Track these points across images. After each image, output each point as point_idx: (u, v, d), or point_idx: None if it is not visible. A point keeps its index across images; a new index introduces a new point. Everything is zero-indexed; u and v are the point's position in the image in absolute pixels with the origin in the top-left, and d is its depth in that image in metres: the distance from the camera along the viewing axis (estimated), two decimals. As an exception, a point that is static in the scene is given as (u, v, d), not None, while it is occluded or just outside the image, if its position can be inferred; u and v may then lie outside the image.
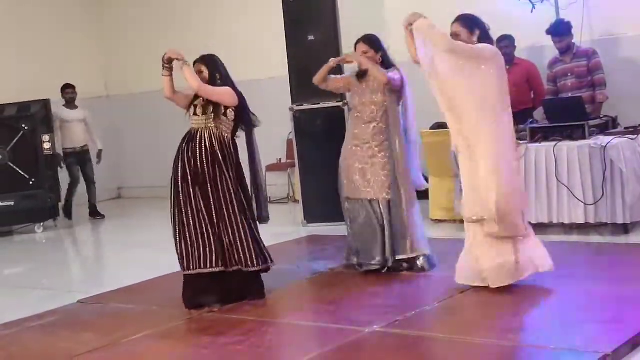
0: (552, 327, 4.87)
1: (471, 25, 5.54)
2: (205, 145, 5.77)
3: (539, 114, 8.15)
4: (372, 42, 6.41)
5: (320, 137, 8.50)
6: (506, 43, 8.32)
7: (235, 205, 5.73)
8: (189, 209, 5.78)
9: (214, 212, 5.71)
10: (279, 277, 6.17)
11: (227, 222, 5.72)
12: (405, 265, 6.31)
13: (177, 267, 7.03)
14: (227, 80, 5.89)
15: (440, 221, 7.96)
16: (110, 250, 8.97)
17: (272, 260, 5.87)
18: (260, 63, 10.91)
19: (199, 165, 5.76)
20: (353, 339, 4.88)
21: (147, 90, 12.33)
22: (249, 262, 5.73)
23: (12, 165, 10.38)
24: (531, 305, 5.33)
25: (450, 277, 5.69)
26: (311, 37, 8.57)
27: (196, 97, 5.89)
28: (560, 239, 7.12)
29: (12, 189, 10.31)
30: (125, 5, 12.62)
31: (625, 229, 7.04)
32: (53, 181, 10.49)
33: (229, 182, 5.74)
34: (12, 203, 10.28)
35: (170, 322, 5.59)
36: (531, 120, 7.71)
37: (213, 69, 5.87)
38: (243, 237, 5.72)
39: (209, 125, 5.80)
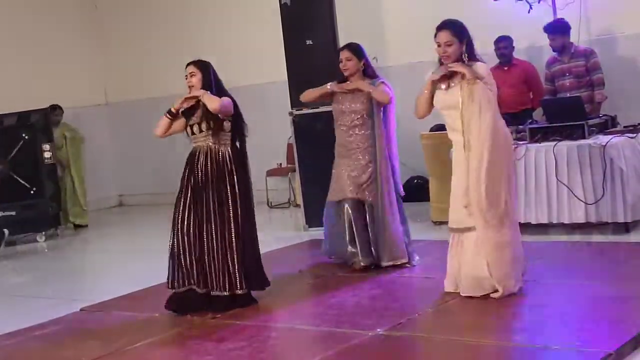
0: (553, 327, 4.87)
1: (461, 35, 5.40)
2: (208, 166, 5.79)
3: (538, 114, 8.15)
4: (355, 50, 6.56)
5: (320, 141, 8.46)
6: (504, 44, 8.34)
7: (233, 229, 5.74)
8: (185, 229, 5.82)
9: (209, 235, 5.75)
10: (280, 281, 6.18)
11: (219, 248, 5.74)
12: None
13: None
14: (222, 88, 5.90)
15: (440, 223, 7.96)
16: (112, 258, 8.97)
17: (249, 286, 5.82)
18: (259, 68, 10.92)
19: (203, 186, 5.78)
20: (356, 343, 4.88)
21: (147, 98, 12.36)
22: (220, 287, 5.75)
23: (12, 174, 10.38)
24: (532, 305, 5.33)
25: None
26: (309, 42, 8.57)
27: (189, 116, 5.89)
28: (561, 239, 7.13)
29: (13, 199, 10.31)
30: (125, 13, 12.63)
31: (626, 227, 7.04)
32: (54, 190, 10.49)
33: (231, 203, 5.75)
34: (14, 213, 10.28)
35: (173, 329, 5.59)
36: (530, 120, 7.72)
37: (206, 75, 5.87)
38: (230, 262, 5.74)
39: (209, 142, 5.81)
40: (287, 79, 8.80)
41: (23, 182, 10.39)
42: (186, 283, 5.78)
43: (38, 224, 10.37)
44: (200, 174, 5.79)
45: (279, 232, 8.13)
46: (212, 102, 5.69)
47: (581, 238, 7.11)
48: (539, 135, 7.34)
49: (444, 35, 5.41)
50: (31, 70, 11.76)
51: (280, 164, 10.96)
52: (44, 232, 10.40)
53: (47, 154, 10.43)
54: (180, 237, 5.80)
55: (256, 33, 10.94)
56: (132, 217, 11.94)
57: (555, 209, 7.18)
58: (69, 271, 8.98)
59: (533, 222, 7.30)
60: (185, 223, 5.79)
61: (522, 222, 7.32)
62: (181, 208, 5.83)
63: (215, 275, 5.74)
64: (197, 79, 5.82)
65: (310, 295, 6.37)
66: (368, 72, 6.57)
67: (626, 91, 8.15)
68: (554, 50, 8.01)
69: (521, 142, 7.36)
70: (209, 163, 5.79)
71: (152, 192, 12.56)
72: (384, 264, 6.48)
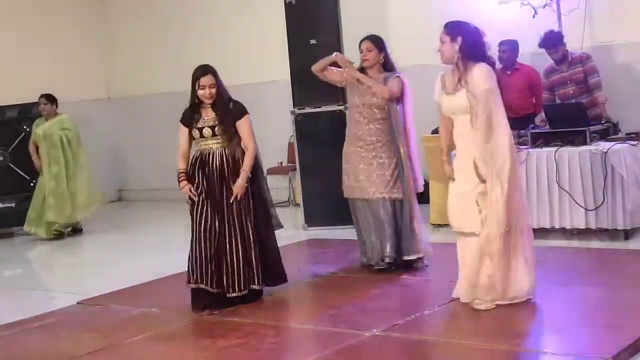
0: (552, 332, 4.87)
1: (454, 33, 5.33)
2: (220, 169, 5.79)
3: (540, 119, 8.14)
4: (377, 41, 6.48)
5: (321, 140, 8.50)
6: (503, 48, 8.32)
7: (245, 228, 5.76)
8: (202, 227, 5.75)
9: (226, 231, 5.73)
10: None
11: (238, 244, 5.73)
12: (412, 264, 6.42)
13: (176, 270, 7.06)
14: (228, 94, 5.90)
15: (440, 225, 7.95)
16: (111, 253, 8.96)
17: (262, 282, 5.86)
18: (262, 66, 10.91)
19: (215, 189, 5.77)
20: (353, 343, 4.88)
21: (149, 93, 12.36)
22: (236, 288, 5.73)
23: (13, 166, 10.38)
24: (531, 310, 5.32)
25: (450, 281, 5.68)
26: (313, 41, 8.56)
27: (197, 119, 5.82)
28: (560, 244, 7.12)
29: (13, 191, 10.32)
30: (128, 8, 12.62)
31: (625, 234, 7.03)
32: (54, 183, 10.47)
33: (243, 202, 5.77)
34: (13, 204, 10.28)
35: (170, 325, 5.59)
36: (532, 125, 7.71)
37: (221, 84, 5.84)
38: (242, 261, 5.74)
39: (222, 145, 5.80)
40: (290, 78, 8.79)
41: (23, 174, 10.38)
42: (197, 281, 5.72)
43: (37, 216, 10.35)
44: (215, 174, 5.76)
45: (279, 231, 8.09)
46: (250, 163, 5.79)
47: (580, 244, 7.10)
48: (541, 140, 7.33)
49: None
50: (34, 63, 11.74)
51: (281, 162, 10.96)
52: (42, 225, 10.38)
53: (47, 147, 10.41)
54: (197, 235, 5.73)
55: (260, 31, 10.93)
56: (132, 212, 11.93)
57: (556, 214, 7.17)
58: (67, 264, 8.98)
59: (534, 226, 7.27)
60: (203, 221, 5.72)
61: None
62: (198, 208, 5.75)
63: (231, 275, 5.71)
64: (218, 91, 5.80)
65: (309, 294, 6.36)
66: (387, 67, 6.47)
67: (629, 98, 8.14)
68: (555, 62, 7.97)
69: (523, 147, 7.36)
70: (223, 162, 5.78)
71: (152, 187, 12.55)
72: (407, 257, 6.39)
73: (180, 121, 5.92)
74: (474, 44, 5.31)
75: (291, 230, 8.78)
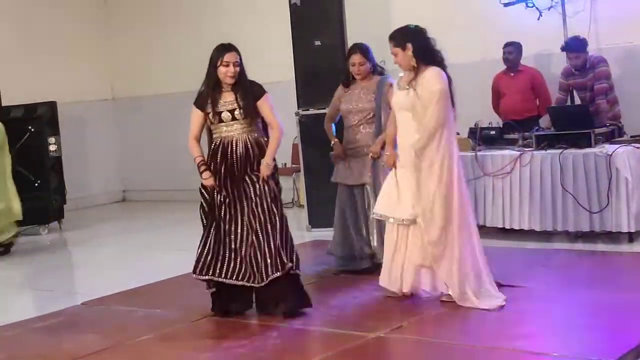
0: (556, 335, 4.86)
1: (402, 42, 5.48)
2: (245, 157, 5.45)
3: (544, 121, 8.13)
4: (366, 53, 6.55)
5: (325, 142, 8.44)
6: (510, 49, 8.32)
7: (267, 214, 5.41)
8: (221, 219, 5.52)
9: (244, 223, 5.46)
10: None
11: (256, 234, 5.44)
12: None
13: (180, 270, 7.05)
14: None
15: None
16: (114, 253, 8.97)
17: (285, 265, 5.40)
18: (267, 67, 10.85)
19: (240, 180, 5.45)
20: (356, 344, 4.88)
21: (153, 94, 12.37)
22: (264, 276, 5.41)
23: (17, 166, 10.38)
24: (535, 312, 5.32)
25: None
26: (318, 42, 8.57)
27: (214, 103, 5.47)
28: (564, 247, 7.12)
29: (18, 191, 10.27)
30: (133, 9, 12.63)
31: (630, 237, 7.03)
32: (58, 183, 10.49)
33: (266, 189, 5.44)
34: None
35: (173, 325, 5.58)
36: (537, 127, 7.70)
37: (242, 63, 5.53)
38: (265, 248, 5.41)
39: (242, 131, 5.45)
40: (294, 79, 8.80)
41: (27, 174, 10.39)
42: (210, 273, 5.50)
43: (41, 216, 10.36)
44: (238, 163, 5.42)
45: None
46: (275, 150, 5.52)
47: (585, 247, 7.09)
48: (546, 142, 7.32)
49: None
50: (38, 64, 11.76)
51: (285, 164, 10.95)
52: (46, 225, 10.39)
53: (52, 147, 10.44)
54: (214, 232, 5.50)
55: (265, 32, 10.93)
56: (136, 213, 11.93)
57: (560, 216, 7.16)
58: (70, 265, 8.99)
59: (537, 229, 7.29)
60: (222, 219, 5.49)
61: (526, 228, 7.34)
62: (218, 203, 5.49)
63: (256, 265, 5.41)
64: (240, 69, 5.46)
65: (312, 295, 6.34)
66: (377, 70, 6.60)
67: (634, 101, 8.12)
68: (575, 69, 7.89)
69: (527, 149, 7.35)
70: (248, 150, 5.43)
71: (155, 188, 12.56)
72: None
73: (194, 104, 5.53)
74: (425, 46, 5.50)
75: (295, 232, 8.73)
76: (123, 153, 12.99)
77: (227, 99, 5.46)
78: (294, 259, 5.45)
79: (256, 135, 5.50)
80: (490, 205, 7.53)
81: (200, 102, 5.53)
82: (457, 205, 5.40)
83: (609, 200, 6.92)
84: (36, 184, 10.39)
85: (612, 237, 7.10)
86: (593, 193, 7.01)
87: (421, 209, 5.43)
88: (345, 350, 4.80)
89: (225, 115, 5.43)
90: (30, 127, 10.44)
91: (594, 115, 7.52)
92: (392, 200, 5.62)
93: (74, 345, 5.35)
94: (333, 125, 6.90)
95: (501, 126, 7.91)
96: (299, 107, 8.76)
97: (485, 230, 7.73)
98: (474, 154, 7.59)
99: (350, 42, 8.40)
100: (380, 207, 5.73)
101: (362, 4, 9.66)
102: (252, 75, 5.65)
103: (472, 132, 7.81)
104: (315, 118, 8.66)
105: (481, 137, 7.72)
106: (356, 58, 6.52)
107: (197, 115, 5.52)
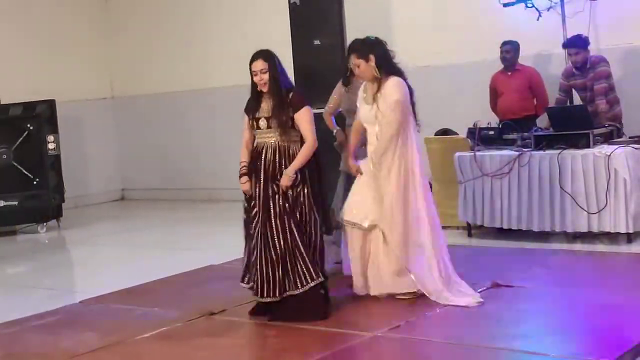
0: (553, 335, 4.86)
1: (364, 54, 5.61)
2: (272, 164, 5.41)
3: (541, 121, 8.14)
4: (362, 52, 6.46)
5: (325, 141, 8.43)
6: (507, 48, 8.32)
7: (286, 228, 5.33)
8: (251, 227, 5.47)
9: (275, 234, 5.35)
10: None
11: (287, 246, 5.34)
12: None
13: (178, 269, 7.07)
14: (286, 78, 5.56)
15: (443, 227, 7.92)
16: (113, 252, 8.97)
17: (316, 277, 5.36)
18: (266, 67, 10.90)
19: (268, 186, 5.39)
20: (354, 344, 4.88)
21: (153, 93, 12.37)
22: (270, 293, 5.37)
23: (16, 164, 10.39)
24: (532, 312, 5.32)
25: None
26: (317, 42, 8.56)
27: (257, 109, 5.49)
28: (562, 248, 7.12)
29: (16, 189, 10.32)
30: (135, 8, 12.62)
31: (628, 238, 7.03)
32: (57, 181, 10.48)
33: (290, 200, 5.37)
34: (16, 203, 10.28)
35: (171, 324, 5.58)
36: (536, 127, 7.70)
37: (275, 69, 5.50)
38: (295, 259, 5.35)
39: (276, 139, 5.42)
40: (293, 79, 8.78)
41: (26, 172, 10.40)
42: (246, 281, 5.53)
43: (40, 214, 10.37)
44: (267, 170, 5.39)
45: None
46: (307, 157, 5.44)
47: (583, 247, 7.10)
48: (544, 142, 7.33)
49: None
50: (38, 62, 11.76)
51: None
52: (45, 223, 10.39)
53: (51, 145, 10.43)
54: (247, 236, 5.49)
55: (264, 32, 10.90)
56: (134, 212, 11.93)
57: (558, 217, 7.17)
58: (69, 263, 8.99)
59: (535, 229, 7.30)
60: (253, 222, 5.42)
61: (525, 229, 7.35)
62: (250, 206, 5.46)
63: (266, 278, 5.35)
64: (268, 76, 5.42)
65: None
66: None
67: (633, 102, 8.12)
68: (575, 67, 7.88)
69: (526, 149, 7.35)
70: (276, 158, 5.41)
71: (155, 187, 12.56)
72: None
73: (244, 110, 5.59)
74: (386, 57, 5.64)
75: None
76: (122, 152, 12.99)
77: (265, 107, 5.48)
78: (313, 276, 5.36)
79: (290, 145, 5.47)
80: (489, 205, 7.53)
81: (246, 109, 5.59)
82: (422, 207, 5.57)
83: (607, 200, 6.92)
84: (35, 182, 10.39)
85: (611, 237, 7.10)
86: (591, 194, 7.01)
87: (382, 215, 5.54)
88: (343, 350, 4.80)
89: (262, 122, 5.46)
90: (29, 126, 10.44)
91: (593, 116, 7.53)
92: (358, 206, 5.69)
93: (72, 343, 5.35)
94: (332, 117, 6.85)
95: (499, 126, 7.91)
96: (297, 106, 8.74)
97: (483, 231, 7.77)
98: (472, 154, 7.59)
99: (349, 42, 8.41)
100: (346, 213, 5.76)
101: (361, 3, 9.66)
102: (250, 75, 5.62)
103: (471, 132, 7.81)
104: (315, 118, 8.62)
105: (480, 137, 7.72)
106: (354, 60, 6.44)
107: (245, 122, 5.59)
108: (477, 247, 7.49)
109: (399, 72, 5.66)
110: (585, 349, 4.51)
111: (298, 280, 5.33)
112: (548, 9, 8.51)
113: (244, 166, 5.52)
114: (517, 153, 7.37)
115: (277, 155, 5.42)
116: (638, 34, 8.37)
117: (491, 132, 7.77)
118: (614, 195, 6.92)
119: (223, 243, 8.48)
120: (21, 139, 10.42)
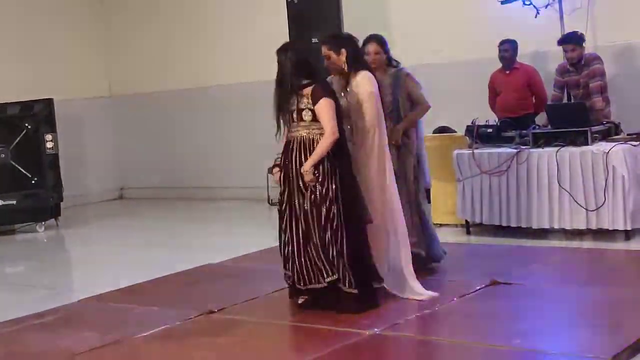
0: (552, 332, 4.87)
1: (337, 47, 5.67)
2: (298, 157, 5.44)
3: (540, 119, 8.14)
4: (382, 43, 6.38)
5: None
6: (505, 47, 8.31)
7: (317, 218, 5.37)
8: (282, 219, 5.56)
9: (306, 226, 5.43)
10: (278, 278, 6.16)
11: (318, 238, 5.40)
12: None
13: (177, 268, 7.06)
14: (316, 74, 5.54)
15: (441, 225, 7.95)
16: (112, 251, 8.97)
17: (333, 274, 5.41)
18: (264, 65, 10.85)
19: (293, 177, 5.44)
20: (353, 342, 4.88)
21: (151, 91, 12.37)
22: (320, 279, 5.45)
23: (14, 164, 10.39)
24: (531, 309, 5.33)
25: (449, 281, 5.68)
26: (315, 39, 8.57)
27: (284, 102, 5.50)
28: (561, 245, 7.13)
29: (14, 188, 10.31)
30: (130, 6, 12.62)
31: (626, 235, 7.04)
32: (55, 180, 10.48)
33: (318, 190, 5.36)
34: (14, 202, 10.28)
35: (170, 323, 5.58)
36: (534, 125, 7.71)
37: (286, 62, 5.59)
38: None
39: (305, 132, 5.43)
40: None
41: (24, 171, 10.39)
42: (287, 267, 5.57)
43: (38, 213, 10.37)
44: (294, 161, 5.43)
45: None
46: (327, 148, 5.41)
47: (581, 244, 7.11)
48: (542, 140, 7.33)
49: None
50: (36, 61, 11.75)
51: (283, 161, 10.95)
52: (43, 222, 10.39)
53: (49, 144, 10.43)
54: (282, 232, 5.56)
55: (262, 30, 10.92)
56: (133, 210, 11.93)
57: (556, 214, 7.17)
58: (67, 262, 8.99)
59: (534, 226, 7.31)
60: (285, 218, 5.50)
61: (523, 226, 7.35)
62: (281, 198, 5.55)
63: (299, 268, 5.47)
64: (289, 65, 5.50)
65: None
66: (391, 63, 6.39)
67: (631, 99, 8.14)
68: (570, 64, 7.88)
69: (524, 147, 7.36)
70: (301, 150, 5.42)
71: (153, 185, 12.55)
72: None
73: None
74: (357, 53, 5.74)
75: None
76: (120, 150, 12.98)
77: (293, 100, 5.48)
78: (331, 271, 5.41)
79: (313, 138, 5.43)
80: (487, 203, 7.53)
81: (281, 99, 5.61)
82: (393, 196, 5.64)
83: (606, 198, 6.93)
84: (33, 181, 10.39)
85: (609, 234, 7.11)
86: (590, 191, 7.02)
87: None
88: (342, 348, 4.80)
89: (295, 115, 5.48)
90: (27, 125, 10.43)
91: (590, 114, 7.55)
92: None
93: (71, 342, 5.35)
94: None
95: (498, 124, 7.91)
96: (296, 104, 8.74)
97: (482, 228, 7.77)
98: (471, 151, 7.60)
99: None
100: None
101: (359, 1, 9.66)
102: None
103: (469, 129, 7.81)
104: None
105: (478, 135, 7.73)
106: (372, 47, 6.29)
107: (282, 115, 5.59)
108: (475, 244, 7.50)
109: (369, 69, 5.72)
110: (584, 346, 4.52)
111: (319, 275, 5.43)
112: (546, 6, 8.52)
113: (278, 158, 5.63)
114: (516, 150, 7.37)
115: (301, 147, 5.45)
116: (635, 32, 8.38)
117: (489, 130, 7.77)
118: (612, 193, 6.93)
119: (222, 242, 8.51)
120: (19, 138, 10.42)
